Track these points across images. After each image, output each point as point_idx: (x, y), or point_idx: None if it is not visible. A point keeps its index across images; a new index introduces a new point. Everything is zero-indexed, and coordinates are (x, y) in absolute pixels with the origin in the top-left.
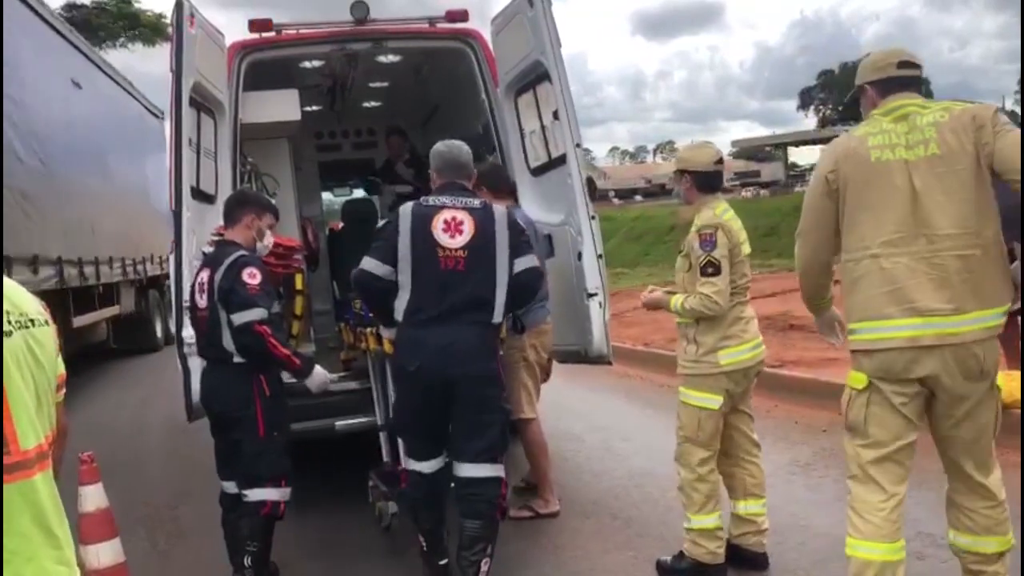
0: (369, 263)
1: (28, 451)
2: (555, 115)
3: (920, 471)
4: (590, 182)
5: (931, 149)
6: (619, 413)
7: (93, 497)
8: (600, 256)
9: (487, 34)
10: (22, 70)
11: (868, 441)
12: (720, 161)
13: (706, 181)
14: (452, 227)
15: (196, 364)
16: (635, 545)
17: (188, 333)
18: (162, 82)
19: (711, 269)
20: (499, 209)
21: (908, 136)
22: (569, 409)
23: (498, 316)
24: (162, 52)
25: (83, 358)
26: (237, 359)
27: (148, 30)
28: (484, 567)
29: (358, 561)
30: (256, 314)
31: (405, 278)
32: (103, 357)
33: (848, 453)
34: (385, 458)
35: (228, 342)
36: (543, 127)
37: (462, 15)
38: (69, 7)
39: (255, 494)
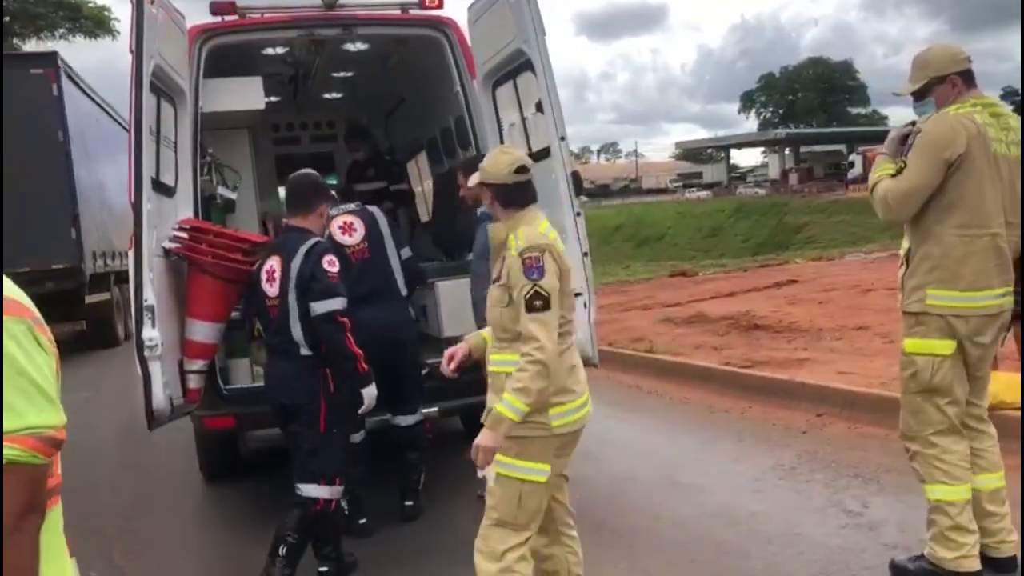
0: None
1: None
2: (538, 107)
3: None
4: (575, 176)
5: (1016, 151)
6: (593, 416)
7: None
8: (585, 254)
9: (463, 23)
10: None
11: (952, 398)
12: (522, 170)
13: (506, 194)
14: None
15: (157, 368)
16: (629, 556)
17: (148, 335)
18: (103, 75)
19: (539, 303)
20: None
21: (1006, 134)
22: None
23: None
24: (104, 45)
25: None
26: (304, 351)
27: (90, 22)
28: (421, 478)
29: None
30: (338, 303)
31: None
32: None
33: (931, 416)
34: None
35: (298, 333)
36: (523, 119)
37: (437, 2)
38: None
39: (308, 490)
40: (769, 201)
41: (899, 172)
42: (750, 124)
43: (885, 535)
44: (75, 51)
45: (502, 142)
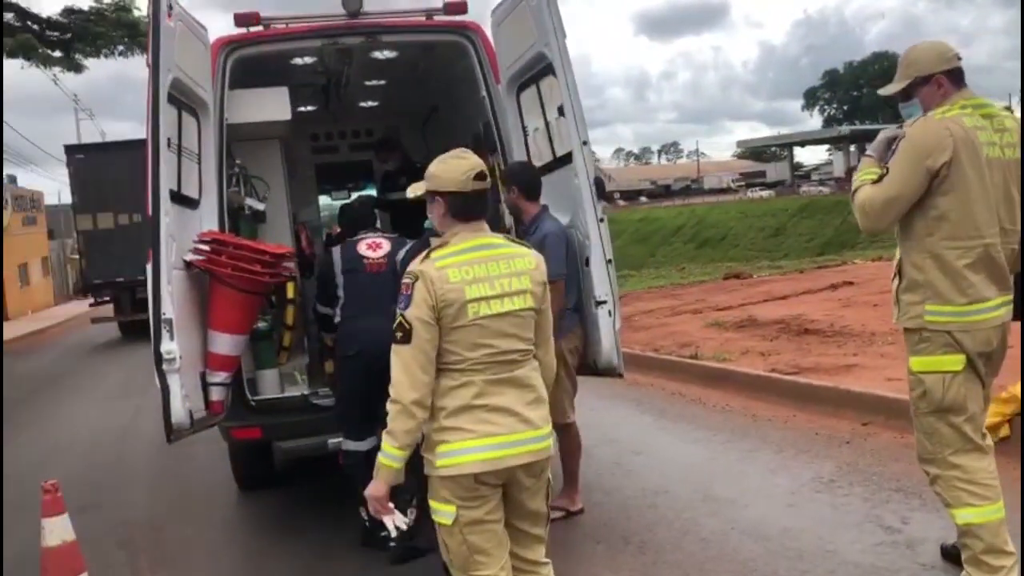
0: None
1: None
2: (560, 111)
3: None
4: (598, 182)
5: (1014, 154)
6: (630, 424)
7: (58, 530)
8: (609, 261)
9: (487, 28)
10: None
11: (968, 415)
12: (481, 176)
13: (463, 204)
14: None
15: (175, 381)
16: (650, 574)
17: (166, 348)
18: None
19: (399, 334)
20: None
21: (1001, 136)
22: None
23: None
24: None
25: (87, 357)
26: None
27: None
28: (410, 513)
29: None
30: None
31: None
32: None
33: (947, 436)
34: None
35: None
36: (547, 124)
37: (461, 7)
38: (67, 12)
39: None
40: (834, 199)
41: (880, 179)
42: (814, 121)
43: (923, 554)
44: (132, 67)
45: (527, 147)
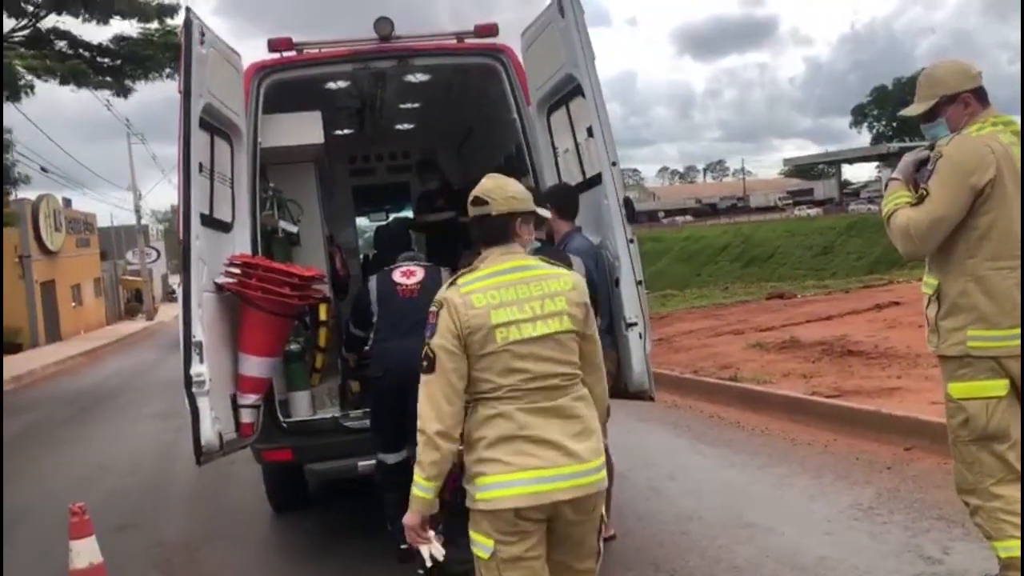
0: None
1: None
2: (589, 132)
3: None
4: (628, 203)
5: None
6: (666, 448)
7: (85, 552)
8: (640, 282)
9: (518, 50)
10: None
11: (1011, 442)
12: (477, 202)
13: (486, 229)
14: None
15: (205, 404)
16: None
17: (196, 371)
18: None
19: (425, 363)
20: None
21: None
22: (611, 442)
23: None
24: None
25: (136, 376)
26: None
27: None
28: (436, 541)
29: None
30: None
31: None
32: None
33: (989, 465)
34: None
35: None
36: (577, 145)
37: (491, 29)
38: (117, 39)
39: None
40: (883, 218)
41: (920, 200)
42: (863, 138)
43: None
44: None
45: (557, 168)
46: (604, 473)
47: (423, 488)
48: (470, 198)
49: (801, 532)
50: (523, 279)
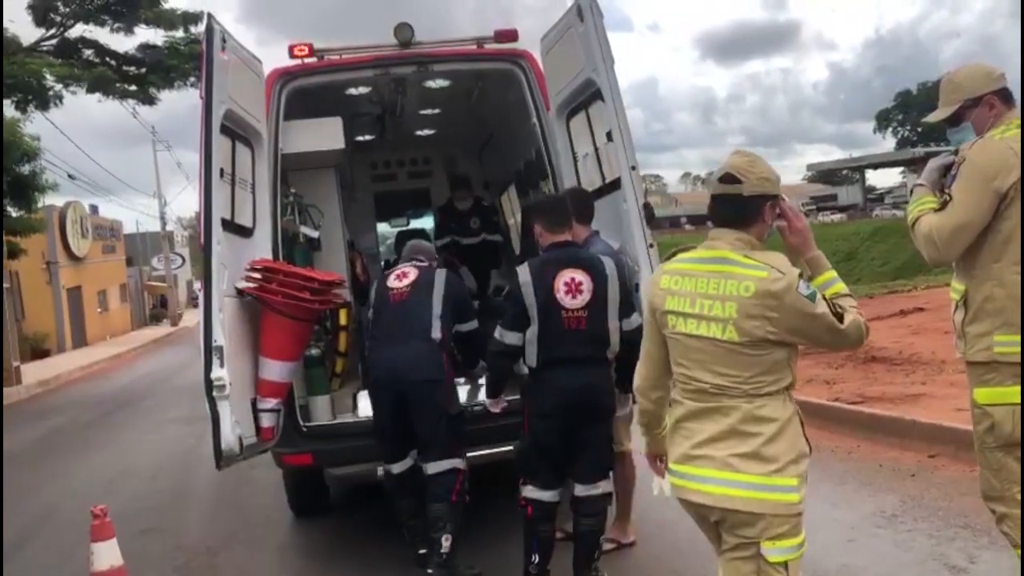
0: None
1: None
2: (609, 136)
3: None
4: (647, 208)
5: None
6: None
7: (106, 555)
8: None
9: (537, 55)
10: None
11: None
12: (727, 179)
13: (712, 209)
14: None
15: (226, 408)
16: None
17: (217, 375)
18: None
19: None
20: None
21: None
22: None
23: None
24: None
25: (161, 381)
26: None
27: None
28: (445, 542)
29: None
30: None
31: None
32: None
33: (1013, 470)
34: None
35: (617, 344)
36: (596, 149)
37: (511, 35)
38: (143, 48)
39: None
40: (908, 224)
41: (943, 206)
42: (887, 143)
43: None
44: None
45: (577, 173)
46: (761, 498)
47: (642, 433)
48: (719, 174)
49: (824, 539)
50: (709, 272)
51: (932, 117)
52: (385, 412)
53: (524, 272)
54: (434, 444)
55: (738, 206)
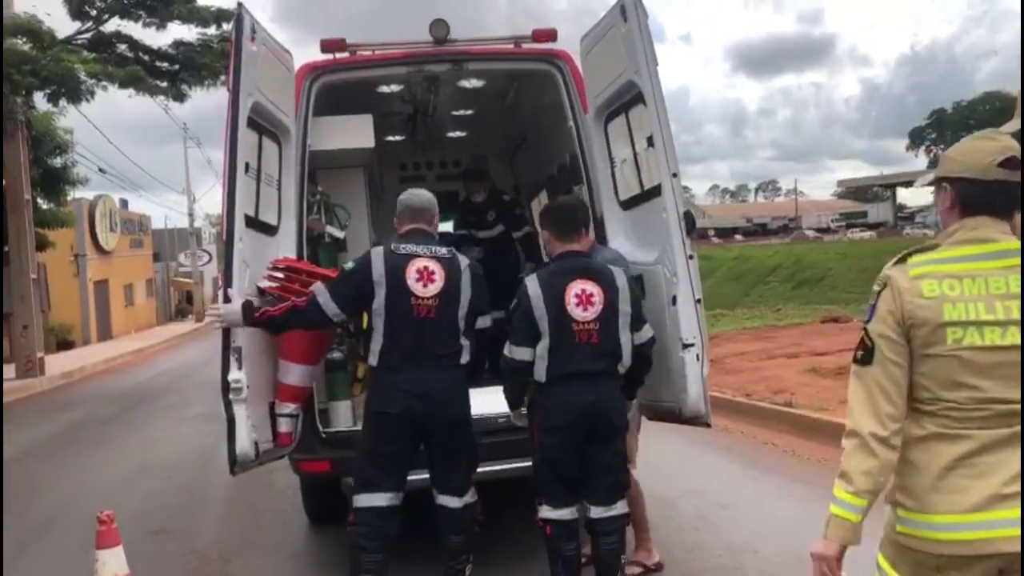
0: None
1: None
2: (649, 141)
3: None
4: (688, 216)
5: None
6: (717, 474)
7: (112, 563)
8: (698, 301)
9: (576, 56)
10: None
11: None
12: (1010, 163)
13: (975, 195)
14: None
15: (242, 411)
16: None
17: (234, 377)
18: None
19: (859, 352)
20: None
21: None
22: (659, 467)
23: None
24: None
25: (183, 377)
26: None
27: None
28: (467, 572)
29: None
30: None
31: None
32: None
33: None
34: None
35: (628, 357)
36: (635, 155)
37: (550, 35)
38: (177, 44)
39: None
40: None
41: None
42: (919, 162)
43: None
44: None
45: (613, 179)
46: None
47: (846, 506)
48: (998, 158)
49: (860, 568)
50: (996, 269)
51: (1005, 129)
52: (397, 441)
53: (533, 284)
54: (458, 477)
55: (1017, 194)
